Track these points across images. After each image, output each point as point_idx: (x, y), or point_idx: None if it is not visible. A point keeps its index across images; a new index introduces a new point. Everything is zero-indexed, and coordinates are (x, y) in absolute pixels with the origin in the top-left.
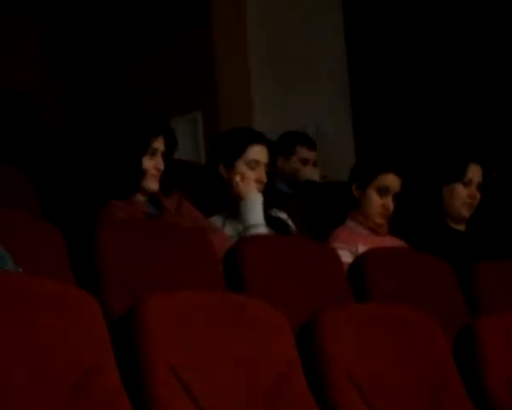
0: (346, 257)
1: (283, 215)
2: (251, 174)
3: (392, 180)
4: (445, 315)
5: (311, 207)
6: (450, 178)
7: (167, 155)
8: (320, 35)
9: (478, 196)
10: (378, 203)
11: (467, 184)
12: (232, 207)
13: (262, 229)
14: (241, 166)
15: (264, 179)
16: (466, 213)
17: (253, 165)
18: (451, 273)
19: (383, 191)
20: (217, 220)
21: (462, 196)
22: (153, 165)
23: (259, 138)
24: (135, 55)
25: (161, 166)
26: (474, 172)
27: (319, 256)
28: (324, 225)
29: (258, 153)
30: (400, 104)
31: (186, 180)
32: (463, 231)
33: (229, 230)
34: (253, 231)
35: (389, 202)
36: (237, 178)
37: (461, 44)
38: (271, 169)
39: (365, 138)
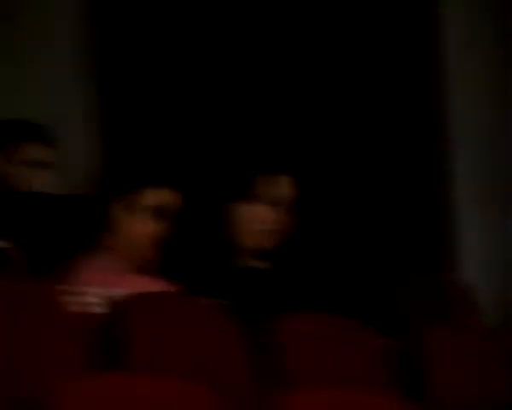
0: (94, 305)
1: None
2: None
3: (167, 198)
4: (230, 388)
5: (40, 230)
6: (243, 195)
7: None
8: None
9: (283, 220)
10: (148, 229)
11: (274, 203)
12: None
13: None
14: None
15: None
16: (266, 243)
17: None
18: (244, 330)
19: (156, 213)
20: None
21: (262, 221)
22: None
23: None
24: None
25: None
26: (281, 188)
27: (48, 305)
28: (59, 256)
29: None
30: (165, 94)
31: None
32: (264, 269)
33: None
34: None
35: (163, 227)
36: None
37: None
38: None
39: (117, 137)
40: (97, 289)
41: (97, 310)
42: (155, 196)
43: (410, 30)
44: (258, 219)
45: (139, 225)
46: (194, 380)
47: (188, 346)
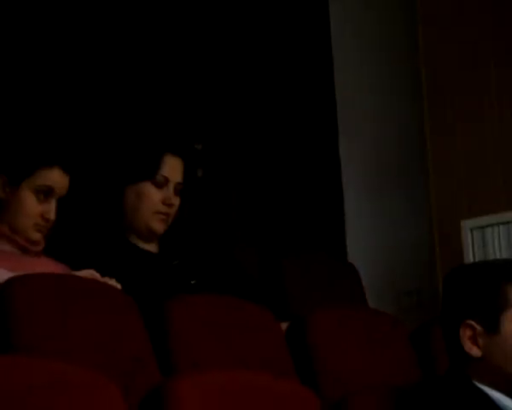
0: None
1: None
2: None
3: (57, 178)
4: (127, 372)
5: None
6: (135, 175)
7: None
8: None
9: (177, 202)
10: (35, 210)
11: (160, 185)
12: None
13: None
14: None
15: None
16: (158, 226)
17: None
18: (136, 312)
19: (44, 194)
20: None
21: (154, 202)
22: None
23: None
24: None
25: None
26: (172, 168)
27: None
28: None
29: None
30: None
31: None
32: (155, 252)
33: None
34: None
35: (51, 208)
36: None
37: None
38: None
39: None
40: None
41: None
42: (45, 177)
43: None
44: (151, 201)
45: (26, 206)
46: (85, 362)
47: (79, 328)
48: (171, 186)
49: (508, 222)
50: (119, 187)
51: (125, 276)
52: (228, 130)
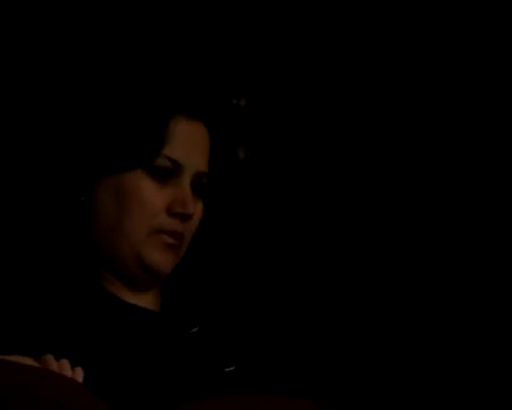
0: None
1: None
2: None
3: None
4: None
5: None
6: (114, 158)
7: None
8: None
9: (197, 210)
10: None
11: (165, 177)
12: None
13: None
14: None
15: None
16: (160, 257)
17: None
18: None
19: None
20: None
21: (152, 211)
22: None
23: None
24: None
25: None
26: (187, 145)
27: None
28: None
29: None
30: None
31: None
32: (153, 310)
33: None
34: None
35: None
36: None
37: None
38: None
39: None
40: None
41: None
42: None
43: None
44: (146, 209)
45: None
46: None
47: None
48: (185, 179)
49: None
50: (80, 183)
51: (95, 358)
52: (307, 73)
